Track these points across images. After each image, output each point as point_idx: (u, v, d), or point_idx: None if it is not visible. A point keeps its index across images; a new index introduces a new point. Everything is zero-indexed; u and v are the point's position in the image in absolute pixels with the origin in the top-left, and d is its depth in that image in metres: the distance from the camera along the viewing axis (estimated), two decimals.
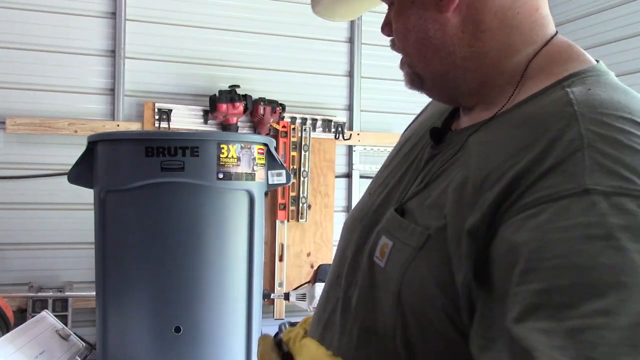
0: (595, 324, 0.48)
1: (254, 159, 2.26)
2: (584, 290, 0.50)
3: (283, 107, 3.60)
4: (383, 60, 3.76)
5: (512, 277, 0.55)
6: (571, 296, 0.50)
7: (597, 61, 0.72)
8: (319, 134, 3.74)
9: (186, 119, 3.50)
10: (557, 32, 0.74)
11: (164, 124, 3.42)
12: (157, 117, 3.42)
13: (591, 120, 0.59)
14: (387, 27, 0.80)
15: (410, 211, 0.71)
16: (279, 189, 3.59)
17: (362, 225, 0.80)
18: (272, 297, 3.47)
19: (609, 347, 0.47)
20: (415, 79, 0.79)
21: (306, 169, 3.65)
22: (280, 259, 3.61)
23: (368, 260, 0.74)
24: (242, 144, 2.21)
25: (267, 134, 3.55)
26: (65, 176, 2.37)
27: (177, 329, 2.15)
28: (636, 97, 0.65)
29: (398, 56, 0.81)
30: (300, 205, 3.63)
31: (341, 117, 3.83)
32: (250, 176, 2.24)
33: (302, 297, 3.41)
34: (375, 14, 3.94)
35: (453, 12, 0.71)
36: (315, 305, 1.26)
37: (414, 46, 0.75)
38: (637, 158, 0.56)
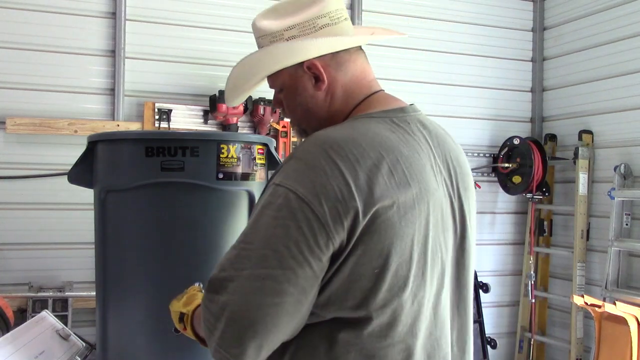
0: (242, 247, 1.05)
1: (254, 159, 2.25)
2: (246, 232, 1.06)
3: None
4: (383, 60, 3.75)
5: None
6: (243, 236, 1.06)
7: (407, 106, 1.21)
8: None
9: (186, 119, 3.50)
10: (379, 90, 1.24)
11: (164, 124, 3.42)
12: (157, 117, 3.42)
13: (302, 146, 1.09)
14: (277, 104, 1.30)
15: None
16: None
17: None
18: None
19: (244, 258, 1.03)
20: (303, 133, 1.29)
21: None
22: None
23: None
24: (242, 144, 2.20)
25: (267, 134, 3.55)
26: (65, 176, 2.37)
27: (177, 329, 2.15)
28: (349, 134, 1.08)
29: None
30: None
31: None
32: (250, 176, 2.24)
33: None
34: (375, 14, 3.89)
35: (322, 90, 1.21)
36: None
37: (301, 113, 1.25)
38: (299, 168, 1.04)
